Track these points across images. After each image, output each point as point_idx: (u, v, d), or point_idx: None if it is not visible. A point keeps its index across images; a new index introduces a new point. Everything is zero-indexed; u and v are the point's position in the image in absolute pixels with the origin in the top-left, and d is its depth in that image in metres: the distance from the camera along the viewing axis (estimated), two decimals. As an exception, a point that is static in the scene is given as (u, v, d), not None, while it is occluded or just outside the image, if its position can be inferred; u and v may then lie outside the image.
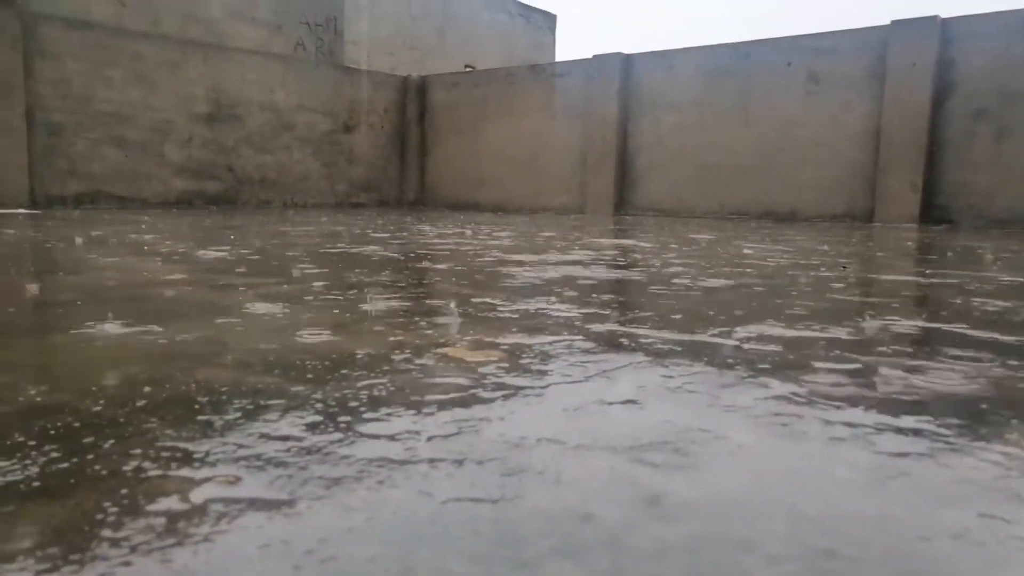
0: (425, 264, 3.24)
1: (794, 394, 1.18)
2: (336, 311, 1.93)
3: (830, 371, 1.34)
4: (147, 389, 1.16)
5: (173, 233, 4.83)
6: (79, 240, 4.09)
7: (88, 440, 0.92)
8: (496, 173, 11.19)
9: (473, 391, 1.18)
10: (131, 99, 8.45)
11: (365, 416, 1.04)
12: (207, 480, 0.80)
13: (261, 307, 1.97)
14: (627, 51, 9.75)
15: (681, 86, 9.36)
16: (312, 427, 0.99)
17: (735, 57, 8.96)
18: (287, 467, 0.85)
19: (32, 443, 0.91)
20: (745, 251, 4.17)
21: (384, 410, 1.07)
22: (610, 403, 1.13)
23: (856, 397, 1.18)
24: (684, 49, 9.34)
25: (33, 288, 2.27)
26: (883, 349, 1.55)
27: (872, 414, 1.09)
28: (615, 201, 9.91)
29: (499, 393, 1.17)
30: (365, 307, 2.00)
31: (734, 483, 0.82)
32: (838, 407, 1.12)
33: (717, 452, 0.92)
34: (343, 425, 1.00)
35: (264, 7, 10.41)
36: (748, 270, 3.17)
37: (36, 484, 0.79)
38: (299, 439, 0.94)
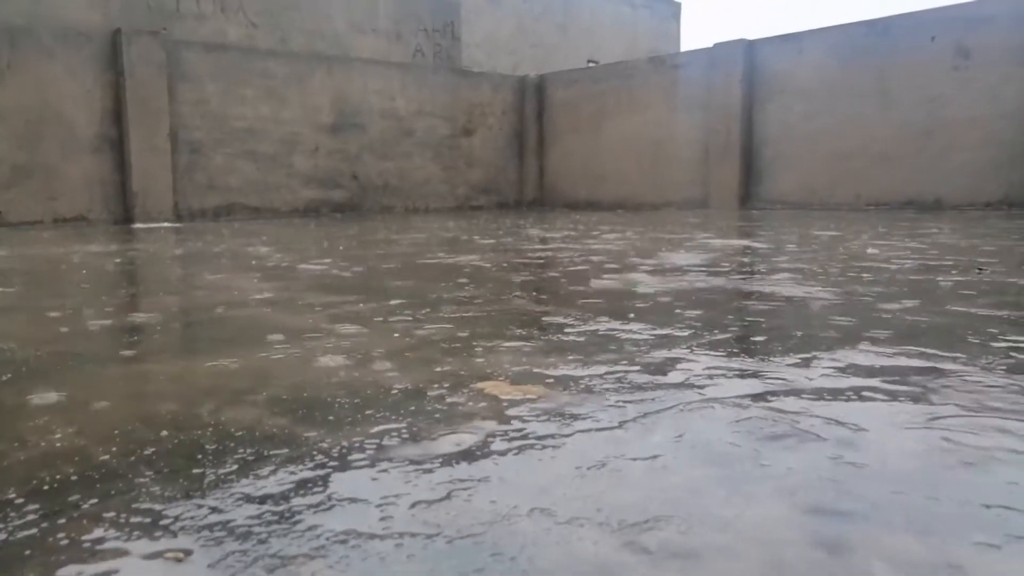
0: (514, 276, 3.17)
1: (852, 452, 1.01)
2: (396, 335, 1.89)
3: (913, 421, 1.15)
4: (164, 433, 1.15)
5: (287, 245, 5.03)
6: (189, 258, 4.32)
7: (72, 498, 0.91)
8: (616, 169, 10.98)
9: (489, 440, 1.09)
10: (262, 114, 8.93)
11: (359, 473, 0.98)
12: (156, 556, 0.76)
13: (326, 330, 1.96)
14: (751, 37, 9.28)
15: (811, 70, 8.79)
16: (297, 487, 0.93)
17: (872, 35, 8.30)
18: (246, 540, 0.80)
19: (20, 501, 0.91)
20: (869, 251, 3.81)
21: (384, 465, 1.00)
22: (633, 459, 1.00)
23: (937, 459, 0.99)
24: (814, 30, 8.76)
25: (123, 310, 2.39)
26: (994, 384, 1.32)
27: (958, 488, 0.90)
28: (740, 194, 9.46)
29: (515, 444, 1.07)
30: (424, 331, 1.95)
31: (732, 585, 0.69)
32: (907, 479, 0.94)
33: (728, 535, 0.78)
34: (330, 484, 0.94)
35: (384, 17, 10.72)
36: (864, 275, 2.88)
37: (-7, 554, 0.77)
38: (277, 502, 0.89)
